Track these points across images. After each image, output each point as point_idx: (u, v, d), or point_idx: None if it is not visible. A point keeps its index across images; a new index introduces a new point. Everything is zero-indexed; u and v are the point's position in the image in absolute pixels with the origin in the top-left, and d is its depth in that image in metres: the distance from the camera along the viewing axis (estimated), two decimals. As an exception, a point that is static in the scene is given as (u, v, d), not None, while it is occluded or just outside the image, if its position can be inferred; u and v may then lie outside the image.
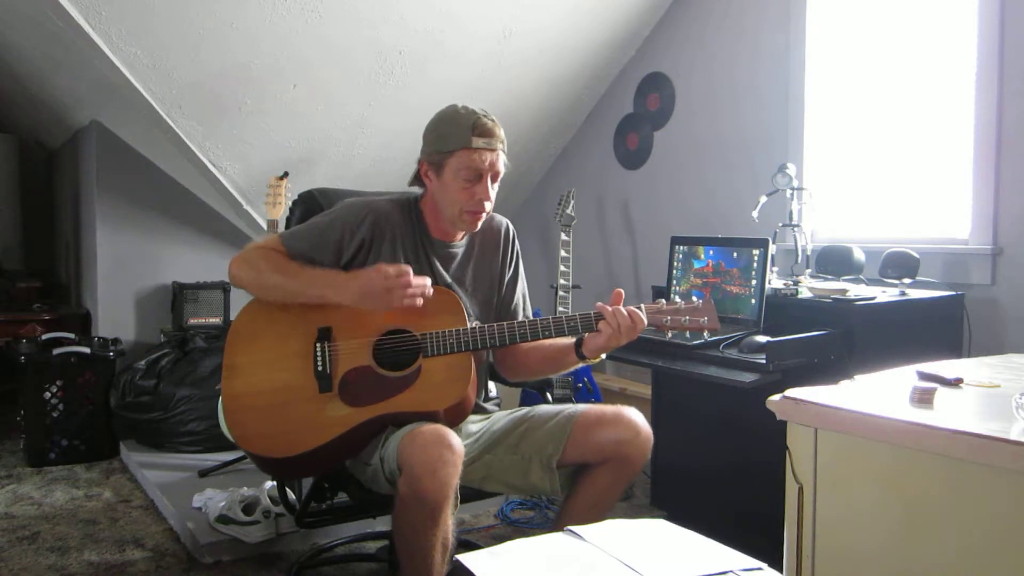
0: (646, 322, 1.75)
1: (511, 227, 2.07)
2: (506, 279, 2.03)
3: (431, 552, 1.64)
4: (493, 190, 1.86)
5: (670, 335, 1.83)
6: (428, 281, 1.76)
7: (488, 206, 1.86)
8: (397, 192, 2.02)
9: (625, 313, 1.73)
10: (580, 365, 1.88)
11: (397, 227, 1.89)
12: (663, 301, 1.81)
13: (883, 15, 2.91)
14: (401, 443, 1.65)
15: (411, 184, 1.96)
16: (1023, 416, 1.14)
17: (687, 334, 1.82)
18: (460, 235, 1.96)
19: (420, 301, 1.75)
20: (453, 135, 1.81)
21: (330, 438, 1.74)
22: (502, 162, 1.84)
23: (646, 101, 3.83)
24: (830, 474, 1.27)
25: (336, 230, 1.85)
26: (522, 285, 2.08)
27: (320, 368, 1.79)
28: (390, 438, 1.73)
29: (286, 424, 1.77)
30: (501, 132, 1.84)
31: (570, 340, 1.84)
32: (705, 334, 1.81)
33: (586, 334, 1.79)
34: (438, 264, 1.93)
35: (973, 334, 2.45)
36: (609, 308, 1.75)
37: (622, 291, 1.78)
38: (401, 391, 1.77)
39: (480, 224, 1.91)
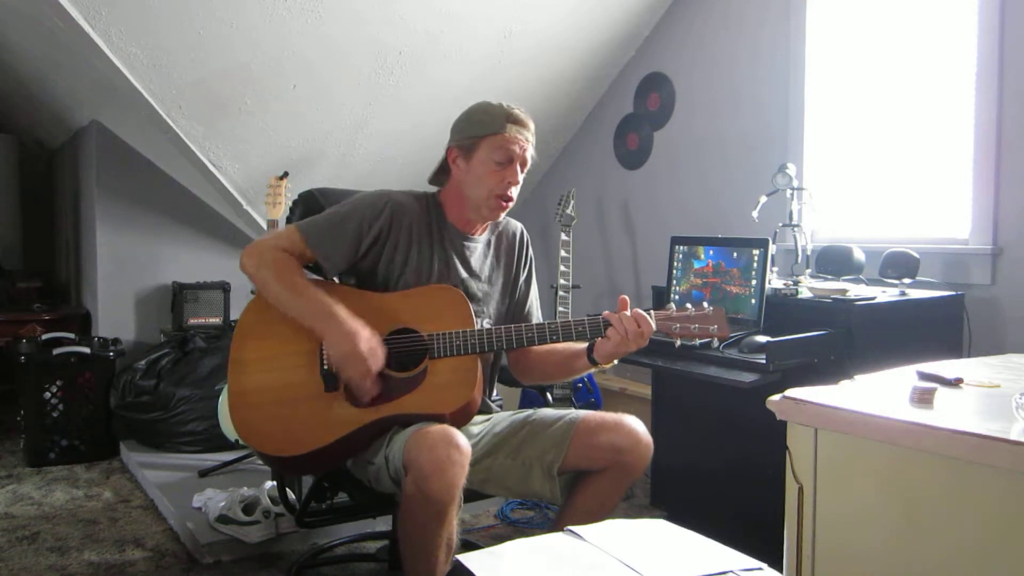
0: (654, 327, 1.76)
1: (525, 232, 2.09)
2: (520, 281, 2.05)
3: (436, 551, 1.64)
4: (521, 177, 1.89)
5: (679, 343, 1.83)
6: (374, 390, 1.75)
7: (515, 192, 1.89)
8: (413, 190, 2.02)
9: (631, 316, 1.74)
10: (592, 370, 1.89)
11: (415, 218, 1.90)
12: (673, 307, 1.82)
13: (883, 15, 2.91)
14: (408, 442, 1.65)
15: (432, 178, 1.98)
16: (1023, 416, 1.14)
17: (695, 341, 1.81)
18: (479, 229, 1.97)
19: (365, 394, 1.75)
20: (488, 121, 1.86)
21: (335, 438, 1.74)
22: (530, 154, 1.90)
23: (646, 101, 3.83)
24: (830, 474, 1.27)
25: (355, 220, 1.86)
26: (535, 289, 2.09)
27: (326, 367, 1.78)
28: (395, 437, 1.73)
29: (291, 423, 1.77)
30: (532, 126, 1.91)
31: (582, 345, 1.86)
32: (714, 341, 1.81)
33: (597, 339, 1.80)
34: (455, 257, 1.93)
35: (973, 334, 2.45)
36: (616, 315, 1.76)
37: (627, 297, 1.79)
38: (407, 392, 1.77)
39: (503, 215, 1.93)
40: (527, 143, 1.88)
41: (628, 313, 1.75)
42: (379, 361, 1.73)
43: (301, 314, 1.78)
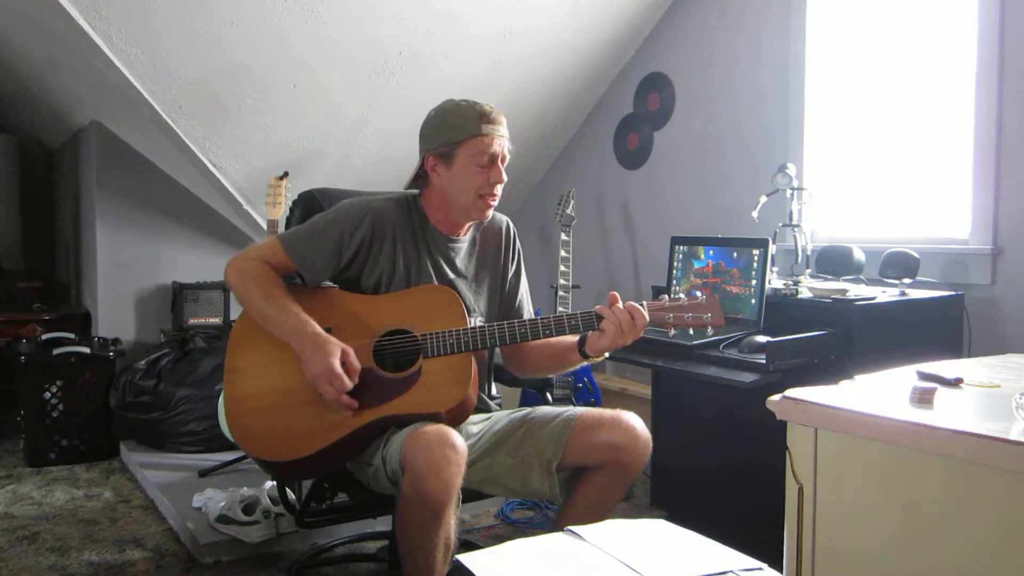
0: (647, 317, 1.75)
1: (512, 225, 2.08)
2: (509, 275, 2.04)
3: (433, 552, 1.64)
4: (504, 174, 1.88)
5: (673, 332, 1.81)
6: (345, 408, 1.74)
7: (499, 190, 1.88)
8: (395, 192, 2.02)
9: (624, 308, 1.74)
10: (584, 363, 1.89)
11: (397, 226, 1.89)
12: (666, 298, 1.81)
13: (883, 15, 2.91)
14: (404, 443, 1.65)
15: (410, 184, 1.96)
16: (1023, 416, 1.14)
17: (689, 331, 1.81)
18: (464, 230, 1.96)
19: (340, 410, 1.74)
20: (462, 125, 1.83)
21: (331, 441, 1.74)
22: (508, 147, 1.88)
23: (646, 101, 3.83)
24: (830, 474, 1.27)
25: (334, 232, 1.85)
26: (524, 283, 2.09)
27: None
28: (392, 438, 1.73)
29: (288, 428, 1.77)
30: (504, 119, 1.88)
31: (574, 339, 1.85)
32: (709, 330, 1.81)
33: (589, 333, 1.79)
34: (441, 260, 1.93)
35: (973, 334, 2.45)
36: (609, 308, 1.75)
37: (616, 293, 1.79)
38: (402, 393, 1.77)
39: (492, 211, 1.92)
40: (504, 138, 1.86)
41: (621, 306, 1.75)
42: (346, 384, 1.71)
43: (277, 328, 1.78)
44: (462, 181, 1.85)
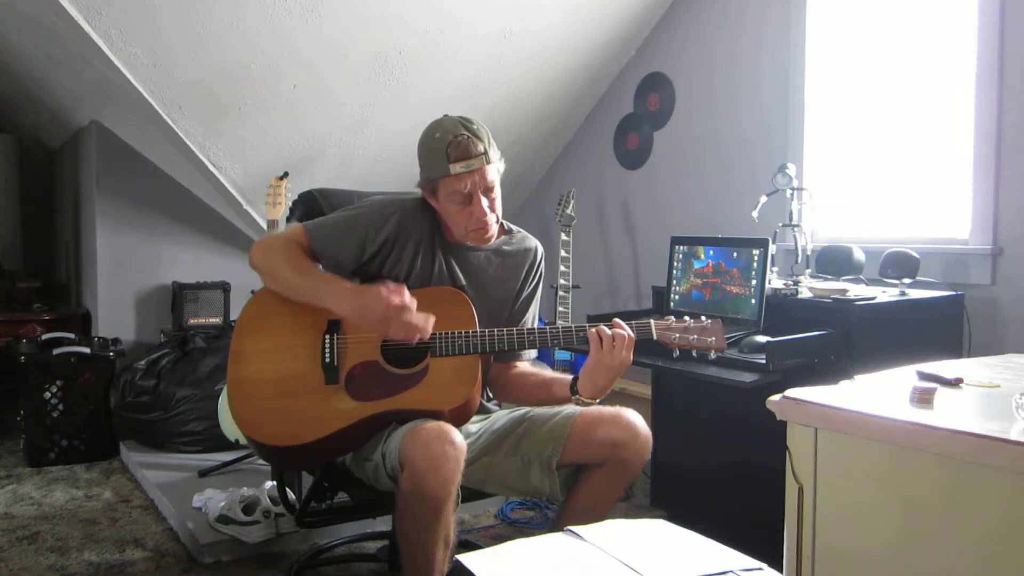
0: (632, 335, 1.78)
1: (541, 251, 2.07)
2: (522, 297, 2.04)
3: (433, 549, 1.65)
4: (492, 200, 1.85)
5: (677, 353, 1.85)
6: (431, 322, 1.75)
7: (491, 219, 1.85)
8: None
9: (615, 332, 1.77)
10: (572, 404, 1.88)
11: (422, 228, 1.90)
12: (672, 318, 1.83)
13: (883, 15, 2.91)
14: (404, 439, 1.65)
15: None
16: (1023, 416, 1.14)
17: (693, 353, 1.84)
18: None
19: (416, 339, 1.74)
20: (433, 164, 1.81)
21: (333, 431, 1.75)
22: (491, 174, 1.82)
23: (646, 101, 3.83)
24: (830, 474, 1.27)
25: (361, 226, 1.86)
26: (535, 306, 2.08)
27: (327, 360, 1.80)
28: (392, 434, 1.74)
29: (290, 414, 1.78)
30: (481, 144, 1.79)
31: (566, 377, 1.88)
32: (711, 354, 1.83)
33: (580, 373, 1.83)
34: (455, 265, 1.94)
35: (973, 334, 2.45)
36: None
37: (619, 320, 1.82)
38: (407, 389, 1.78)
39: (491, 236, 1.90)
40: (480, 171, 1.79)
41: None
42: (411, 306, 1.72)
43: (309, 292, 1.80)
44: (451, 216, 1.86)
